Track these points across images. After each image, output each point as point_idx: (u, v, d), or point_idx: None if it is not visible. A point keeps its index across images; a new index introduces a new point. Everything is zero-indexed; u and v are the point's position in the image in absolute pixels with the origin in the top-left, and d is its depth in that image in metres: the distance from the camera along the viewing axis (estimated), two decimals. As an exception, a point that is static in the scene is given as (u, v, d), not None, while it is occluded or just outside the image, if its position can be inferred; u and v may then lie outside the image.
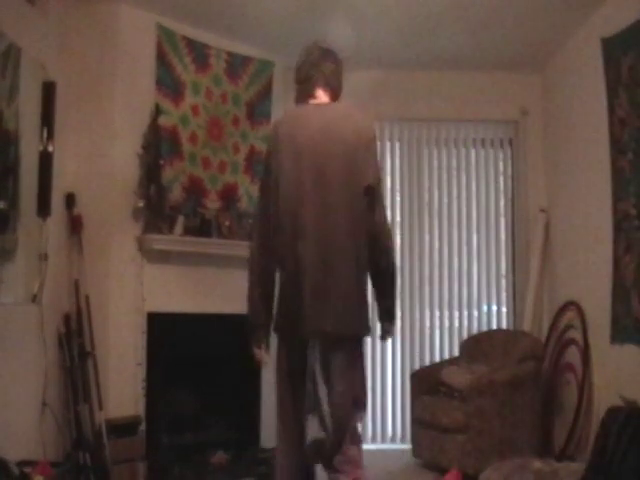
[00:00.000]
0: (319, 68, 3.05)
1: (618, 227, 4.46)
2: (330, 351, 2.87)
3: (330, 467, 2.93)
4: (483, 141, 6.20)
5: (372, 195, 2.95)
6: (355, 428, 3.00)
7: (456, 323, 6.06)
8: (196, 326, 5.02)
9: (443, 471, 4.58)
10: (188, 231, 4.99)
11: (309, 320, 2.86)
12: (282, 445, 3.02)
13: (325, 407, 2.86)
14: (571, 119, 5.41)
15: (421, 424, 5.09)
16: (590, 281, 4.96)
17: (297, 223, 2.88)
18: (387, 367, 6.00)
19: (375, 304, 3.17)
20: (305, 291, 2.87)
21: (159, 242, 4.83)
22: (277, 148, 2.95)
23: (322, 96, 3.06)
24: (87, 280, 4.60)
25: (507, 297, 6.10)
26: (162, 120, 4.97)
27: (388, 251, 3.07)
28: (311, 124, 2.95)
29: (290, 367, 3.00)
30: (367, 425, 5.92)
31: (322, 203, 2.88)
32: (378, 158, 3.06)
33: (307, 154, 2.90)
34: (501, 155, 6.22)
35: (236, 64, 5.47)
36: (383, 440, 5.93)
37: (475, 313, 6.08)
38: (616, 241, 4.48)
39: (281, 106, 5.79)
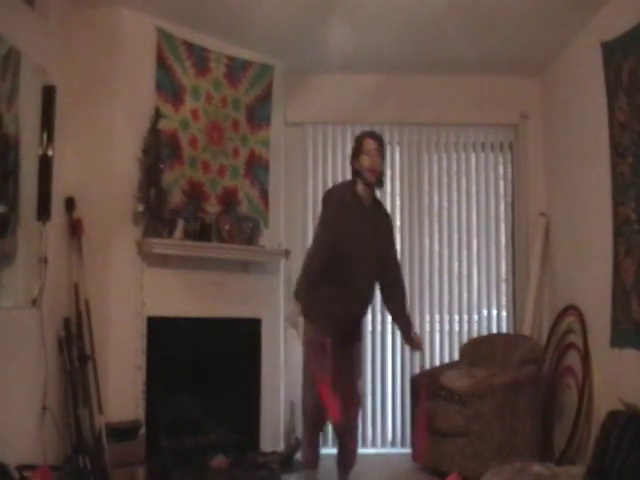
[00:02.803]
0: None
1: (618, 231, 4.46)
2: None
3: None
4: (483, 145, 6.20)
5: None
6: None
7: (456, 327, 6.05)
8: (196, 330, 5.02)
9: (443, 475, 4.57)
10: (188, 235, 4.98)
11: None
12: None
13: None
14: (571, 123, 5.41)
15: (421, 428, 5.09)
16: (590, 285, 4.96)
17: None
18: (387, 371, 5.99)
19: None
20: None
21: (159, 246, 4.82)
22: None
23: None
24: (87, 284, 4.60)
25: (507, 301, 6.10)
26: (162, 124, 4.97)
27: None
28: None
29: None
30: (367, 429, 5.92)
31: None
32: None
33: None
34: (501, 159, 6.22)
35: (236, 68, 5.47)
36: (383, 444, 5.92)
37: (475, 317, 6.08)
38: (616, 245, 4.48)
39: (281, 110, 5.80)
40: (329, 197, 4.33)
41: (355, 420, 4.39)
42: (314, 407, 4.21)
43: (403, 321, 4.47)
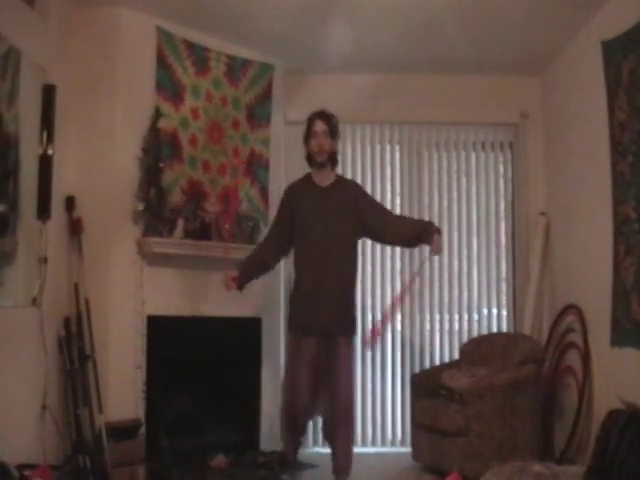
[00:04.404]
0: None
1: (618, 230, 4.46)
2: None
3: None
4: (483, 144, 6.20)
5: None
6: None
7: (456, 326, 6.04)
8: (196, 329, 5.02)
9: (443, 474, 4.57)
10: (188, 234, 4.98)
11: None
12: None
13: None
14: (571, 122, 5.41)
15: (421, 427, 5.08)
16: (590, 284, 4.96)
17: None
18: (387, 370, 5.98)
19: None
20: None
21: (159, 245, 4.82)
22: None
23: None
24: (87, 283, 4.60)
25: (507, 300, 6.09)
26: (162, 123, 4.97)
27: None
28: None
29: None
30: (367, 428, 5.92)
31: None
32: None
33: None
34: (501, 158, 6.21)
35: (236, 67, 5.47)
36: (383, 443, 5.92)
37: (475, 316, 6.07)
38: (616, 244, 4.48)
39: (281, 109, 5.80)
40: (283, 192, 4.64)
41: (342, 423, 4.27)
42: (292, 409, 4.38)
43: (418, 225, 4.54)
